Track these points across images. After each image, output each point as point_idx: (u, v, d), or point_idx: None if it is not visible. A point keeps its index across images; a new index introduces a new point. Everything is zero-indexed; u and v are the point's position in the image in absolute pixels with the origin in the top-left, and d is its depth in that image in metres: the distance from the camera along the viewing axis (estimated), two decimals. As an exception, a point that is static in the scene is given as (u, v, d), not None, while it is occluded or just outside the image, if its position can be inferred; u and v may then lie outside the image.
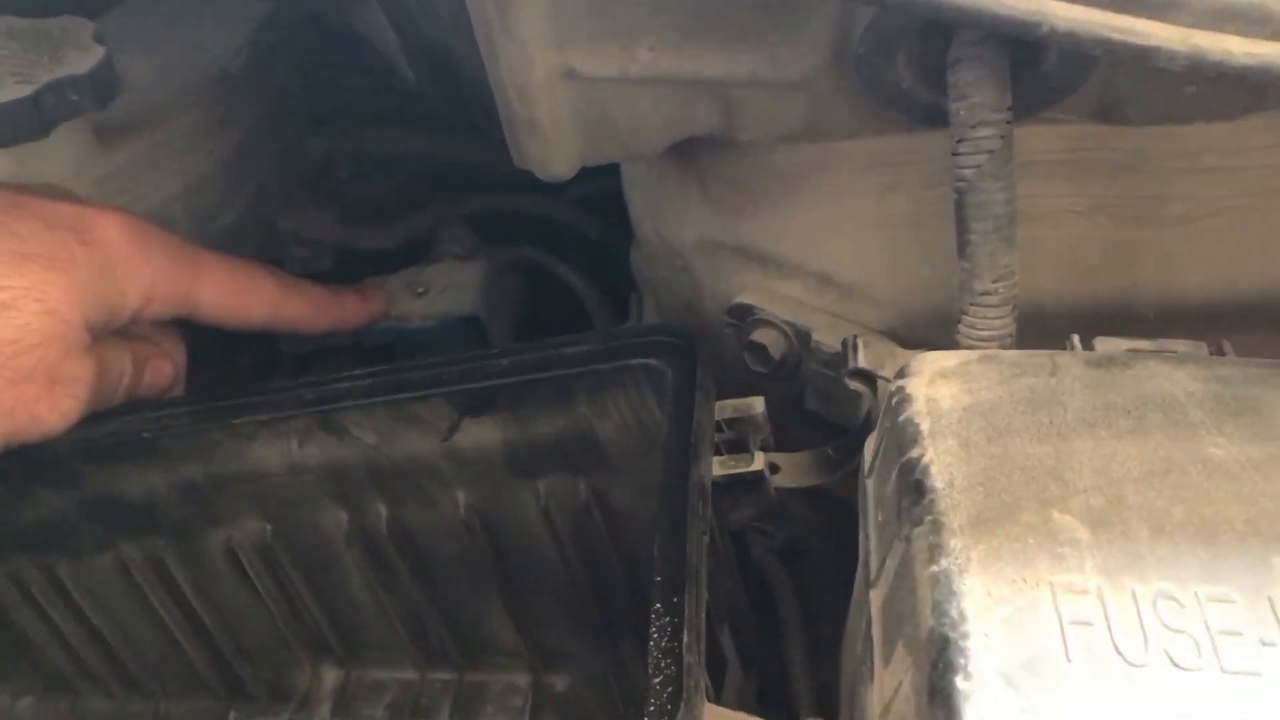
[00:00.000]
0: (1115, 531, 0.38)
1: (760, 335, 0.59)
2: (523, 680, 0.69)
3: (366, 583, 0.66)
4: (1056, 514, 0.38)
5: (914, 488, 0.40)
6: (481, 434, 0.60)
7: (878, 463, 0.45)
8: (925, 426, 0.42)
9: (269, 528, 0.65)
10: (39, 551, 0.67)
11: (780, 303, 0.59)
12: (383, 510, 0.63)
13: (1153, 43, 0.39)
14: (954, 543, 0.37)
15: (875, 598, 0.42)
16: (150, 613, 0.68)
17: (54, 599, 0.69)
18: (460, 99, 0.53)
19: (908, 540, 0.39)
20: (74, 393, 0.54)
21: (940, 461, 0.40)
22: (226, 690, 0.72)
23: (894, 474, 0.42)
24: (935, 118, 0.49)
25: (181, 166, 0.70)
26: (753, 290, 0.59)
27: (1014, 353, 0.45)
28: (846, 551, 0.49)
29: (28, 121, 0.60)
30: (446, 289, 0.74)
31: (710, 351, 0.63)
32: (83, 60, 0.63)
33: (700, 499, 0.48)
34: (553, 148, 0.53)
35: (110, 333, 0.59)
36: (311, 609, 0.68)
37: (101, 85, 0.63)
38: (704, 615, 0.45)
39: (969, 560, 0.37)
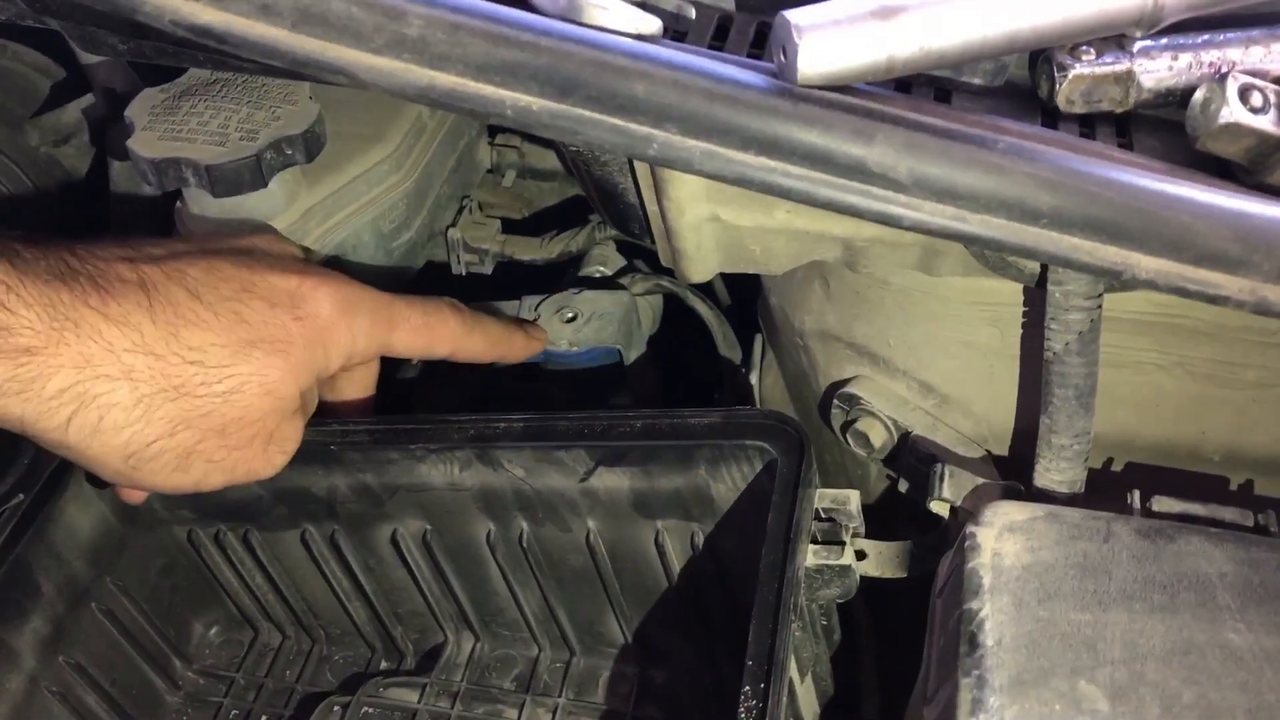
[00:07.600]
0: (1131, 705, 0.45)
1: (864, 424, 0.66)
2: (630, 670, 0.80)
3: (504, 577, 0.77)
4: (1083, 683, 0.46)
5: (969, 639, 0.48)
6: (613, 480, 0.69)
7: (947, 589, 0.53)
8: (987, 581, 0.50)
9: (428, 527, 0.76)
10: (236, 521, 0.80)
11: (885, 397, 0.66)
12: (524, 526, 0.74)
13: (1224, 293, 0.45)
14: (993, 700, 0.46)
15: (929, 714, 0.50)
16: (323, 577, 0.81)
17: (245, 558, 0.81)
18: (620, 214, 0.61)
19: (956, 686, 0.47)
20: (284, 449, 0.65)
21: (994, 619, 0.48)
22: (380, 643, 0.85)
23: (956, 615, 0.50)
24: (1042, 282, 0.56)
25: (373, 197, 0.80)
26: (862, 383, 0.67)
27: (1075, 513, 0.52)
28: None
29: (251, 176, 0.70)
30: (592, 317, 0.83)
31: (815, 426, 0.72)
32: (298, 118, 0.72)
33: (793, 593, 0.57)
34: (694, 264, 0.61)
35: None
36: (457, 591, 0.80)
37: (312, 141, 0.72)
38: (785, 701, 0.54)
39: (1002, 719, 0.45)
